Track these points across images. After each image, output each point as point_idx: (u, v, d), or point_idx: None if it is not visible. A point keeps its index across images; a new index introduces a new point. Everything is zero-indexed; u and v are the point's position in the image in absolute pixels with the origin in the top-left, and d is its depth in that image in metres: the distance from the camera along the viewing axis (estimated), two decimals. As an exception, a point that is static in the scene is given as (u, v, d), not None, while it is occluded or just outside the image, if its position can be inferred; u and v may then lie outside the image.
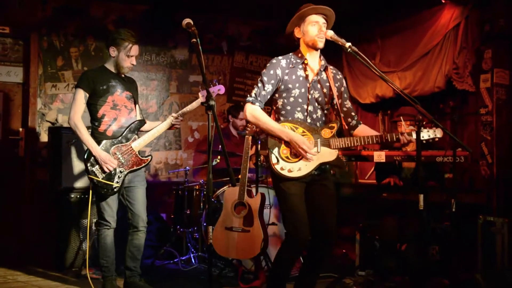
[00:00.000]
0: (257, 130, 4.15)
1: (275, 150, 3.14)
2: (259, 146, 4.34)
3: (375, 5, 5.89)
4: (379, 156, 3.94)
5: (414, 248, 4.11)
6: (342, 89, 3.38)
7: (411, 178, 4.45)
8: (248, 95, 3.22)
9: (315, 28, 3.17)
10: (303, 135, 3.14)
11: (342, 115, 3.34)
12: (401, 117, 4.52)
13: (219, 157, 5.22)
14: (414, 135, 3.10)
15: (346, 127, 3.37)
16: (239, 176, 4.21)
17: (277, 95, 3.24)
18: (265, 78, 3.18)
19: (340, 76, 3.41)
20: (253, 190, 4.32)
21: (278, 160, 3.12)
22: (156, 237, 5.35)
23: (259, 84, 3.20)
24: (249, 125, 4.21)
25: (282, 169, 3.11)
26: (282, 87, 3.20)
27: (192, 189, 5.13)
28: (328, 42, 3.19)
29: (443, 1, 5.18)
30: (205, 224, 4.76)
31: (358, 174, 6.45)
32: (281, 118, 3.21)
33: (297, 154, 3.11)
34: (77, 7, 5.85)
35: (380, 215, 4.34)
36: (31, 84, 5.61)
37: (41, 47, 5.68)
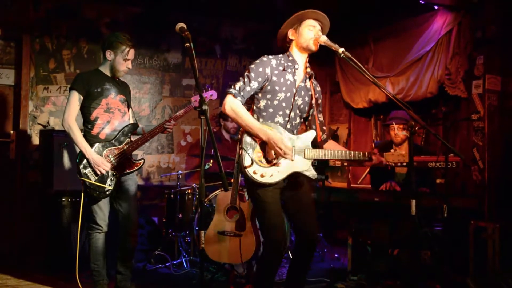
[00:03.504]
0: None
1: (250, 152, 3.04)
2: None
3: (369, 9, 5.91)
4: (371, 161, 3.94)
5: (406, 252, 4.11)
6: (319, 101, 3.38)
7: (403, 183, 4.46)
8: (232, 87, 3.09)
9: (312, 32, 3.15)
10: None
11: (316, 126, 3.31)
12: (393, 122, 4.55)
13: (211, 161, 5.21)
14: (385, 157, 3.19)
15: (320, 140, 3.34)
16: (231, 180, 4.20)
17: (260, 94, 3.15)
18: (252, 74, 3.08)
19: (319, 89, 3.41)
20: (246, 194, 4.31)
21: (252, 163, 3.02)
22: (147, 240, 5.33)
23: (245, 79, 3.08)
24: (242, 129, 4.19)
25: (254, 172, 3.02)
26: (269, 87, 3.12)
27: (184, 193, 5.11)
28: (321, 47, 3.19)
29: (436, 7, 5.20)
30: (197, 228, 4.74)
31: (350, 179, 6.46)
32: (260, 120, 3.13)
33: (270, 159, 3.05)
34: (70, 9, 5.83)
35: (372, 219, 4.35)
36: (23, 86, 5.58)
37: (33, 49, 5.65)
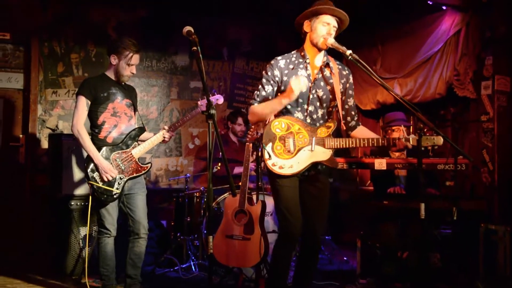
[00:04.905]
0: (258, 137, 4.14)
1: (269, 146, 3.15)
2: (259, 153, 4.32)
3: (376, 10, 5.89)
4: (380, 163, 3.92)
5: (415, 255, 4.09)
6: (348, 85, 3.34)
7: (406, 185, 4.43)
8: (252, 98, 3.27)
9: (325, 29, 3.14)
10: (298, 133, 3.15)
11: (342, 112, 3.30)
12: (402, 124, 4.52)
13: (219, 164, 5.21)
14: (411, 141, 3.09)
15: (344, 128, 3.35)
16: (239, 183, 4.20)
17: (279, 94, 3.22)
18: (263, 80, 3.22)
19: (347, 71, 3.35)
20: (254, 197, 4.31)
21: (270, 156, 3.13)
22: (156, 243, 5.33)
23: (259, 86, 3.24)
24: (250, 132, 4.19)
25: (273, 165, 3.12)
26: (283, 88, 3.19)
27: (192, 196, 5.11)
28: (329, 48, 3.17)
29: (444, 8, 5.17)
30: (205, 231, 4.74)
31: (358, 182, 6.43)
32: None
33: (290, 151, 3.12)
34: (78, 13, 5.85)
35: (381, 222, 4.32)
36: (32, 90, 5.61)
37: (41, 53, 5.68)
